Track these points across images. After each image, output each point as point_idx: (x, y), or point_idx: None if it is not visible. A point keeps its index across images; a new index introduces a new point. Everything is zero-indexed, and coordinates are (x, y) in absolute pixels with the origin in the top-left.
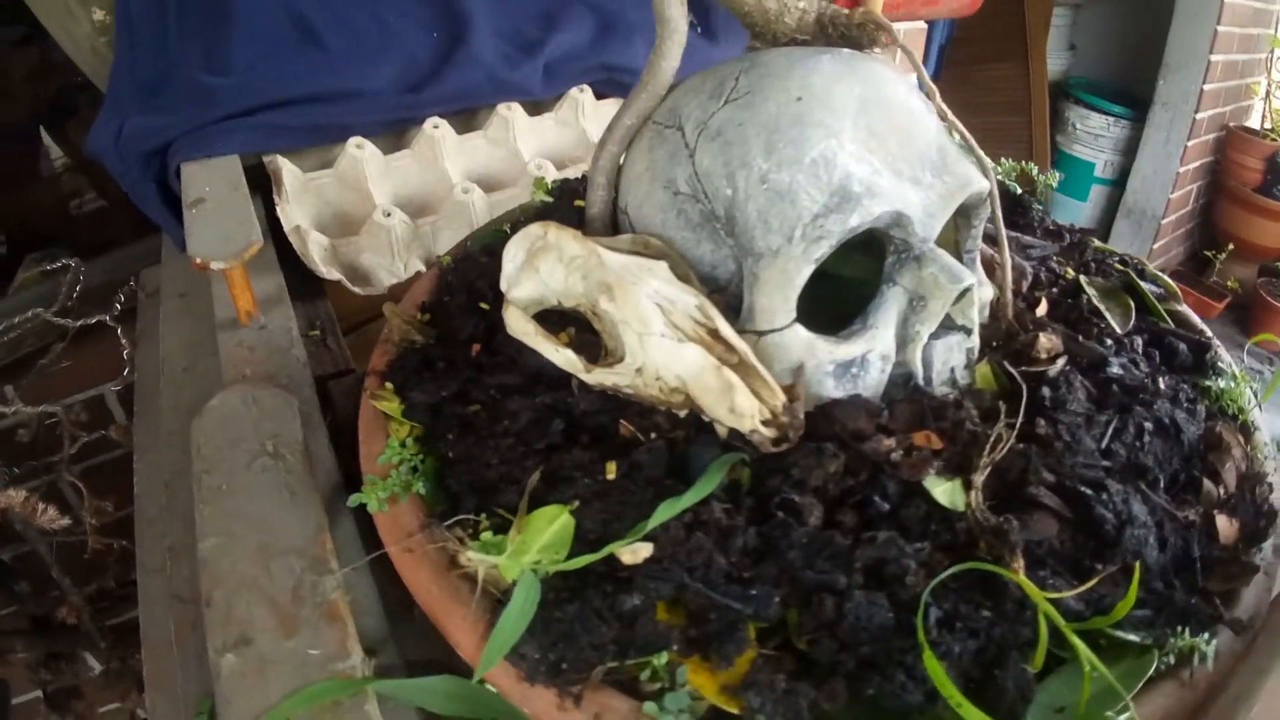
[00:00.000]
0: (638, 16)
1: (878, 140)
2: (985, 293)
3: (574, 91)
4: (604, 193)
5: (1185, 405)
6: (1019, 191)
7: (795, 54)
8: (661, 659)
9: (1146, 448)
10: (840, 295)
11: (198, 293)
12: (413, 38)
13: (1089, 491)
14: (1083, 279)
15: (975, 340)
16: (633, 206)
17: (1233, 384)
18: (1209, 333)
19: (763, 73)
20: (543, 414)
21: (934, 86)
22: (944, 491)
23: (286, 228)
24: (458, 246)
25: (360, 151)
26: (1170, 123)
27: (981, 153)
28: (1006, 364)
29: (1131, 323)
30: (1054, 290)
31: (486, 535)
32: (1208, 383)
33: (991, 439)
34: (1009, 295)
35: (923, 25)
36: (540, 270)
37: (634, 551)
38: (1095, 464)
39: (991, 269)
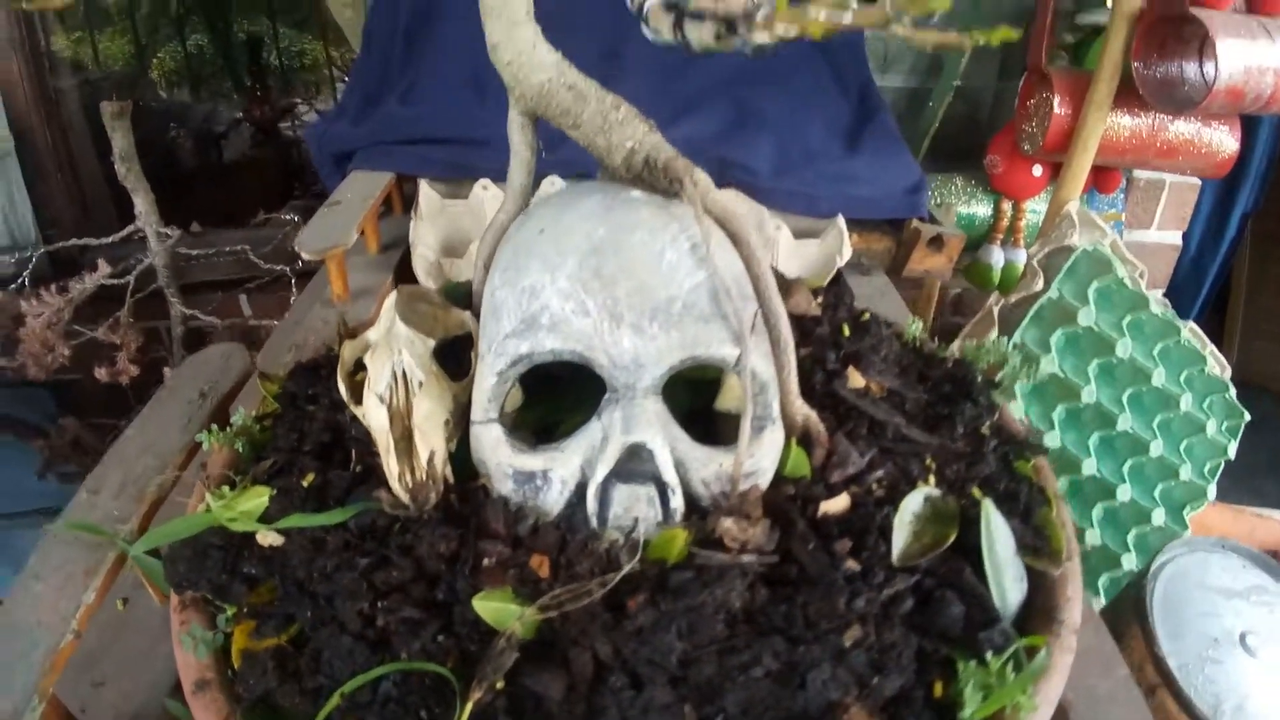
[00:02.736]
0: (774, 110)
1: (602, 283)
2: (726, 460)
3: None
4: (483, 274)
5: (853, 669)
6: (977, 378)
7: (580, 190)
8: (230, 610)
9: (736, 687)
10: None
11: None
12: None
13: (614, 680)
14: (921, 492)
15: (678, 501)
16: None
17: (994, 682)
18: (1065, 617)
19: (546, 202)
20: (327, 426)
21: (706, 241)
22: (491, 608)
23: (410, 239)
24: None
25: (484, 192)
26: None
27: (747, 327)
28: (687, 537)
29: (924, 560)
30: (880, 492)
31: (224, 489)
32: (961, 664)
33: (569, 591)
34: (739, 472)
35: (1195, 181)
36: (382, 320)
37: (265, 536)
38: (661, 664)
39: (811, 443)
